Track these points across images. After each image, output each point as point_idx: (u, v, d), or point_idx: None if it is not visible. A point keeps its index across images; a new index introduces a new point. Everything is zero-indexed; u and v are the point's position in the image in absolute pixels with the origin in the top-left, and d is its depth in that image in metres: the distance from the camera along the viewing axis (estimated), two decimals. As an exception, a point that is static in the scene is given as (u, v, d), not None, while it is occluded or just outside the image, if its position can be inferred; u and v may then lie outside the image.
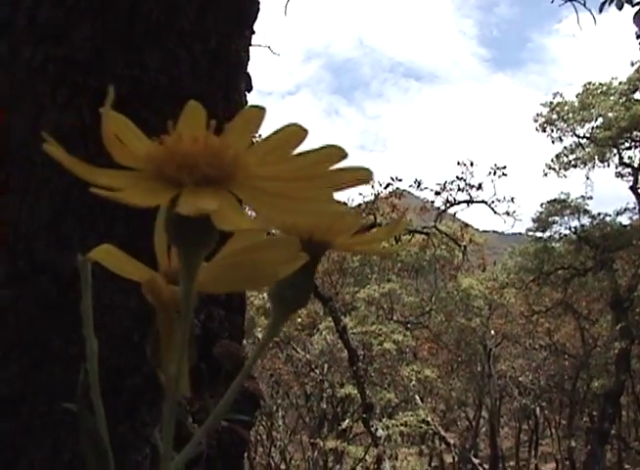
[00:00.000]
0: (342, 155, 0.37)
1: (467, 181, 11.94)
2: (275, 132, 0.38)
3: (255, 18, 2.13)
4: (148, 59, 1.77)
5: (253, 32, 2.15)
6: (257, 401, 2.10)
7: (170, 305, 0.41)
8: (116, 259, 0.43)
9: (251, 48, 2.15)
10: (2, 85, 1.75)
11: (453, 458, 16.44)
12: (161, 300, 0.41)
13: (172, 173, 0.34)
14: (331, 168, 0.37)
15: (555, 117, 14.40)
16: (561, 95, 14.49)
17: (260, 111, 0.40)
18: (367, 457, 12.99)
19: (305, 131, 0.39)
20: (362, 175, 0.37)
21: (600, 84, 14.05)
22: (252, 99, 1.96)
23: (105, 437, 0.41)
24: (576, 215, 14.54)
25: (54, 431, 1.66)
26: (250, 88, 2.17)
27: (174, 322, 0.41)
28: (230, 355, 1.56)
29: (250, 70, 2.13)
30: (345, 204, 0.44)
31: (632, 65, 13.50)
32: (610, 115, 13.76)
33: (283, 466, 14.87)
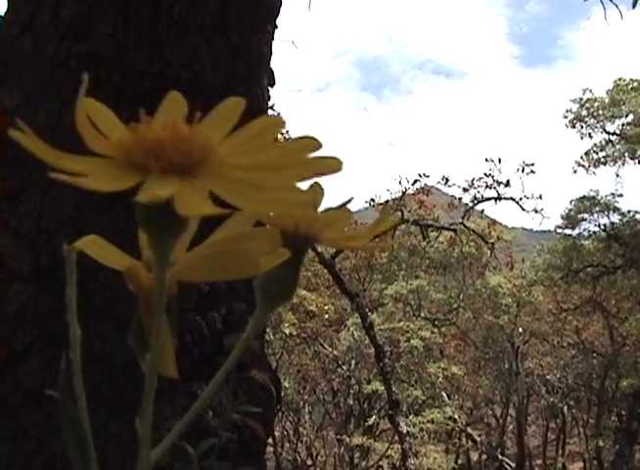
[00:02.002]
0: (317, 145, 0.37)
1: (495, 178, 11.87)
2: (254, 122, 0.38)
3: (278, 12, 2.13)
4: (169, 54, 1.78)
5: (276, 27, 2.15)
6: (278, 396, 2.10)
7: (150, 293, 0.41)
8: (101, 249, 0.43)
9: (276, 44, 2.16)
10: (25, 81, 1.76)
11: (480, 456, 16.39)
12: (141, 287, 0.41)
13: (139, 160, 0.34)
14: (303, 158, 0.36)
15: (585, 113, 14.26)
16: (591, 91, 14.35)
17: (240, 100, 0.40)
18: (392, 454, 12.98)
19: (283, 122, 0.39)
20: (332, 164, 0.37)
21: (631, 80, 13.88)
22: (282, 96, 1.96)
23: (86, 425, 0.41)
24: (606, 213, 14.39)
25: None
26: (273, 83, 2.17)
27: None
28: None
29: (279, 67, 2.14)
30: (321, 190, 0.44)
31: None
32: (640, 111, 13.62)
33: (309, 462, 14.89)
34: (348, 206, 0.44)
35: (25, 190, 1.73)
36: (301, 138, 0.37)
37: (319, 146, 0.37)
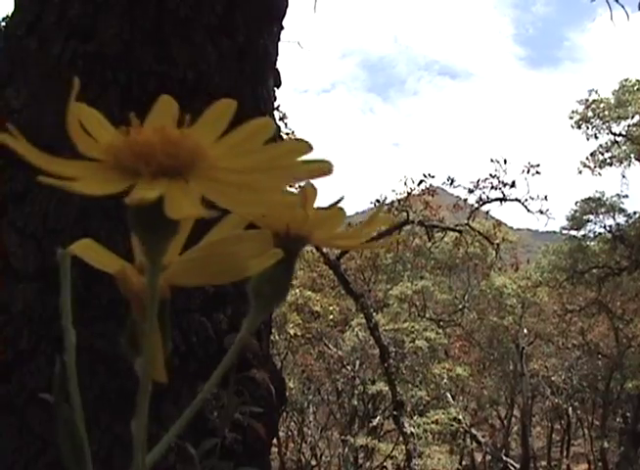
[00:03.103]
0: (307, 148, 0.37)
1: (500, 179, 11.85)
2: (245, 125, 0.38)
3: (284, 13, 2.13)
4: (175, 54, 1.78)
5: (282, 28, 2.15)
6: (282, 396, 2.10)
7: (142, 296, 0.41)
8: (94, 253, 0.43)
9: (282, 44, 2.16)
10: (32, 81, 1.77)
11: (484, 457, 16.37)
12: (132, 290, 0.41)
13: (130, 163, 0.34)
14: (292, 161, 0.37)
15: (590, 114, 14.24)
16: (596, 92, 14.33)
17: (231, 103, 0.40)
18: (397, 454, 12.97)
19: (273, 125, 0.39)
20: (322, 167, 0.37)
21: (637, 81, 13.86)
22: (287, 96, 1.95)
23: (81, 428, 0.41)
24: (611, 214, 14.38)
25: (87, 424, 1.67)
26: (279, 84, 2.18)
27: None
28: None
29: (284, 68, 2.14)
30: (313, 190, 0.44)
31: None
32: (646, 112, 13.60)
33: (313, 462, 14.88)
34: (345, 206, 0.44)
35: (31, 191, 1.73)
36: (291, 141, 0.37)
37: (309, 149, 0.37)
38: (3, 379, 1.71)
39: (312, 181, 0.46)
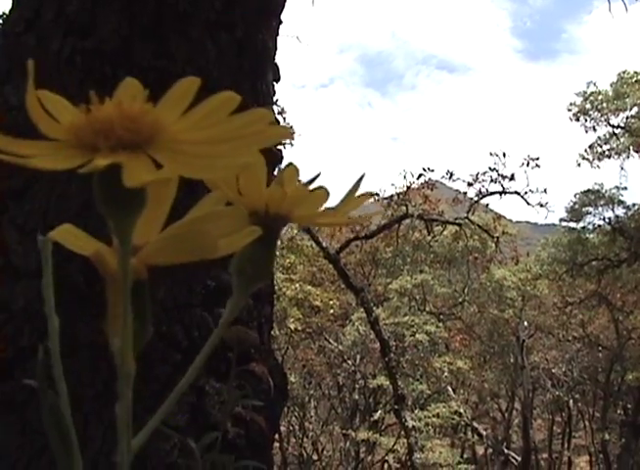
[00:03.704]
0: (268, 116, 0.37)
1: (499, 172, 11.85)
2: (209, 99, 0.38)
3: (283, 7, 2.12)
4: (174, 49, 1.78)
5: (281, 22, 2.15)
6: (284, 391, 2.10)
7: (117, 278, 0.41)
8: (73, 237, 0.43)
9: (280, 39, 2.15)
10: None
11: (485, 450, 16.40)
12: (108, 271, 0.41)
13: (89, 139, 0.35)
14: (253, 129, 0.37)
15: (589, 106, 14.22)
16: (595, 84, 14.31)
17: (195, 80, 0.40)
18: (398, 448, 12.99)
19: (238, 98, 0.39)
20: (283, 133, 0.37)
21: (635, 73, 13.84)
22: (285, 91, 1.95)
23: (67, 415, 0.41)
24: (611, 206, 14.37)
25: (81, 416, 1.68)
26: (277, 78, 2.17)
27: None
28: (239, 340, 1.56)
29: (282, 62, 2.14)
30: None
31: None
32: (645, 104, 13.58)
33: (315, 457, 14.91)
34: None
35: (31, 187, 1.73)
36: (255, 110, 0.37)
37: (271, 117, 0.37)
38: (4, 376, 1.71)
39: (295, 164, 0.47)
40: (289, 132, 0.38)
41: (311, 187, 0.44)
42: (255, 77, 1.98)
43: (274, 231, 0.44)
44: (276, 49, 2.11)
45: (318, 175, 0.44)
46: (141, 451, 0.41)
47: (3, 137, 0.35)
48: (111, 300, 0.41)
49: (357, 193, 0.45)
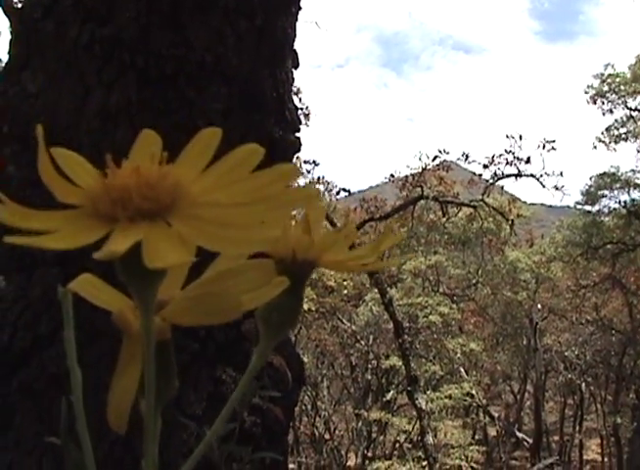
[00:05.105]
0: (294, 173, 0.35)
1: (515, 155, 11.78)
2: (231, 153, 0.36)
3: (302, -6, 2.10)
4: (193, 37, 1.77)
5: (300, 8, 2.13)
6: (301, 377, 2.10)
7: (138, 337, 0.39)
8: (94, 289, 0.41)
9: (298, 25, 2.13)
10: (49, 64, 1.75)
11: (497, 431, 16.41)
12: (130, 331, 0.39)
13: (106, 209, 0.33)
14: (278, 190, 0.35)
15: (606, 88, 14.10)
16: (612, 66, 14.18)
17: (216, 132, 0.38)
18: (410, 428, 13.03)
19: (261, 151, 0.37)
20: (309, 194, 0.35)
21: (654, 55, 13.71)
22: (301, 72, 1.94)
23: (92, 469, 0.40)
24: (626, 189, 14.27)
25: (99, 404, 1.68)
26: (296, 65, 2.16)
27: (138, 353, 0.39)
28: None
29: (298, 42, 2.11)
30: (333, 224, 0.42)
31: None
32: (662, 86, 13.47)
33: (327, 436, 14.96)
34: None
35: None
36: (278, 167, 0.35)
37: (296, 174, 0.35)
38: (23, 364, 1.71)
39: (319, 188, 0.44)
40: (316, 192, 0.36)
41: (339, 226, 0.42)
42: (274, 65, 1.96)
43: (302, 278, 0.42)
44: (295, 36, 2.09)
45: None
46: (162, 441, 0.40)
47: (19, 210, 0.33)
48: (125, 355, 0.40)
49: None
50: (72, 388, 0.40)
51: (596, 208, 14.74)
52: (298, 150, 2.06)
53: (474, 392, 13.36)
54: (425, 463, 10.90)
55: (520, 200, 14.81)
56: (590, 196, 14.76)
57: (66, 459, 0.40)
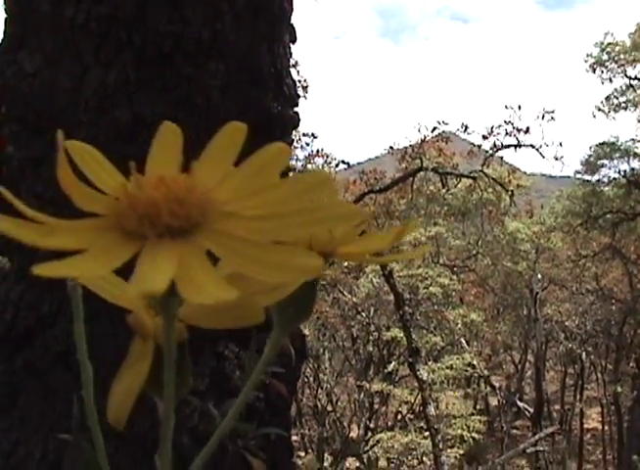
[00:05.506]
0: (329, 181, 0.33)
1: (514, 125, 11.74)
2: (257, 154, 0.34)
3: (299, -32, 2.08)
4: (190, 14, 1.75)
5: (297, -17, 2.11)
6: (303, 352, 2.11)
7: (151, 337, 0.39)
8: (107, 283, 0.40)
9: (295, -1, 2.12)
10: (46, 44, 1.75)
11: (498, 401, 16.51)
12: (145, 332, 0.39)
13: (134, 226, 0.31)
14: (314, 200, 0.33)
15: (605, 57, 14.02)
16: (612, 35, 14.09)
17: (241, 127, 0.35)
18: (412, 400, 13.10)
19: (289, 150, 0.34)
20: (354, 213, 0.33)
21: (654, 23, 13.62)
22: (299, 42, 1.93)
23: (105, 468, 0.40)
24: (626, 159, 14.25)
25: (101, 379, 1.70)
26: (294, 40, 2.15)
27: (148, 352, 0.39)
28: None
29: (296, 12, 2.10)
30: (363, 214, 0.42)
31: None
32: (663, 54, 13.40)
33: (329, 408, 15.04)
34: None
35: (49, 155, 1.72)
36: (310, 174, 0.34)
37: (330, 182, 0.33)
38: (26, 343, 1.72)
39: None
40: (362, 212, 0.34)
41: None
42: (272, 40, 1.95)
43: None
44: (292, 10, 2.08)
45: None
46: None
47: (34, 227, 0.31)
48: (135, 352, 0.39)
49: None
50: (83, 384, 0.40)
51: (596, 177, 14.73)
52: (297, 125, 2.05)
53: (475, 362, 13.42)
54: (427, 434, 10.98)
55: (519, 170, 14.78)
56: (590, 165, 14.73)
57: (76, 457, 0.40)
